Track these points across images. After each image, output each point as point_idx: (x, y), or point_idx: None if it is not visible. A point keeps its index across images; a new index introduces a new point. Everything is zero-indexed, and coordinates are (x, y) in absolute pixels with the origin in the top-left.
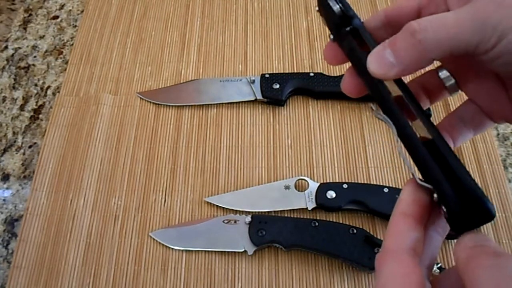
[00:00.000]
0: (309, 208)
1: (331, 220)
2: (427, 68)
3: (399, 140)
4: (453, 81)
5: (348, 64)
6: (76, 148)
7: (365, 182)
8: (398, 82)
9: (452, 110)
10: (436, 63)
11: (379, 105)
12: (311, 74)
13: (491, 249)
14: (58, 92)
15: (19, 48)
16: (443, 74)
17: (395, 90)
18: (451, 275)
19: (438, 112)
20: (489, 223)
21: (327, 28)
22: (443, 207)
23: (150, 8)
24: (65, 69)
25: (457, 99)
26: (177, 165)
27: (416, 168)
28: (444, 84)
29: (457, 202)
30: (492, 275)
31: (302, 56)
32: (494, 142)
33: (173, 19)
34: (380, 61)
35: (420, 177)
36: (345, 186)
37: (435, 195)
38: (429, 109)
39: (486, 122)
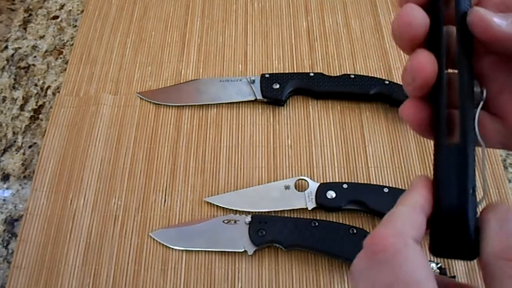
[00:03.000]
0: (309, 208)
1: (331, 220)
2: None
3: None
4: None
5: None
6: (76, 148)
7: (365, 182)
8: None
9: None
10: None
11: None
12: (311, 74)
13: None
14: (58, 92)
15: (19, 48)
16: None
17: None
18: None
19: None
20: None
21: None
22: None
23: (150, 8)
24: (65, 69)
25: None
26: (177, 165)
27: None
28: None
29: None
30: None
31: (302, 56)
32: None
33: (173, 19)
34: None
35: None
36: (345, 186)
37: None
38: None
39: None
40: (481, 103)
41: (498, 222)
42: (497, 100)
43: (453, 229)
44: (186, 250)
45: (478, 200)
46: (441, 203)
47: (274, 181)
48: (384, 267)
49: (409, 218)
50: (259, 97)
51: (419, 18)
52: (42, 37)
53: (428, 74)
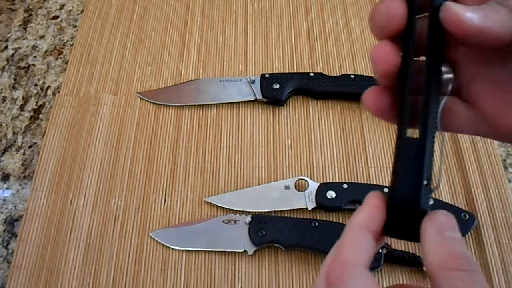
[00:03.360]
0: (309, 208)
1: (331, 220)
2: None
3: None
4: (451, 75)
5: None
6: (76, 148)
7: (365, 182)
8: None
9: None
10: None
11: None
12: (311, 74)
13: (465, 256)
14: (58, 92)
15: (19, 48)
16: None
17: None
18: None
19: None
20: (489, 223)
21: None
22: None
23: (150, 8)
24: (65, 69)
25: None
26: (177, 165)
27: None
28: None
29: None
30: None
31: (302, 56)
32: (494, 142)
33: (173, 19)
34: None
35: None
36: (345, 186)
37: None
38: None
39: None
40: (445, 97)
41: (438, 232)
42: (469, 87)
43: (405, 216)
44: (186, 250)
45: (433, 186)
46: (396, 192)
47: (274, 181)
48: None
49: (355, 245)
50: (259, 97)
51: (403, 10)
52: (42, 37)
53: (388, 66)
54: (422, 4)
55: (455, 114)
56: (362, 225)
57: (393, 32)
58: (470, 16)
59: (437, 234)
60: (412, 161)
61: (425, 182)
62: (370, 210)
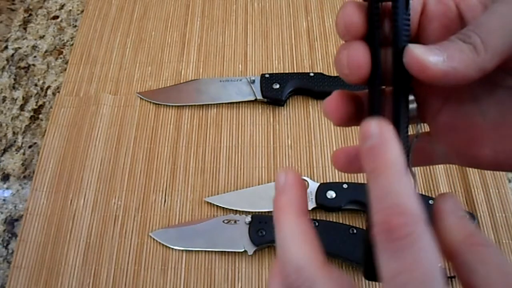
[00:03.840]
0: (309, 208)
1: (331, 220)
2: None
3: None
4: (414, 105)
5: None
6: (76, 148)
7: (365, 182)
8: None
9: None
10: None
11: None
12: (311, 74)
13: (481, 233)
14: (58, 92)
15: (19, 48)
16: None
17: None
18: None
19: None
20: (489, 223)
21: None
22: None
23: (150, 8)
24: (65, 69)
25: None
26: (177, 165)
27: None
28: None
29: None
30: (500, 262)
31: (302, 56)
32: None
33: (173, 19)
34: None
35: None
36: (345, 186)
37: None
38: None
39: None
40: (415, 139)
41: (452, 212)
42: (435, 120)
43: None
44: (186, 250)
45: None
46: (370, 241)
47: (274, 181)
48: (406, 254)
49: (413, 195)
50: (259, 97)
51: (367, 59)
52: (42, 37)
53: (341, 118)
54: (385, 38)
55: (423, 150)
56: (400, 169)
57: (357, 80)
58: (434, 60)
59: (452, 214)
60: None
61: None
62: (398, 148)
